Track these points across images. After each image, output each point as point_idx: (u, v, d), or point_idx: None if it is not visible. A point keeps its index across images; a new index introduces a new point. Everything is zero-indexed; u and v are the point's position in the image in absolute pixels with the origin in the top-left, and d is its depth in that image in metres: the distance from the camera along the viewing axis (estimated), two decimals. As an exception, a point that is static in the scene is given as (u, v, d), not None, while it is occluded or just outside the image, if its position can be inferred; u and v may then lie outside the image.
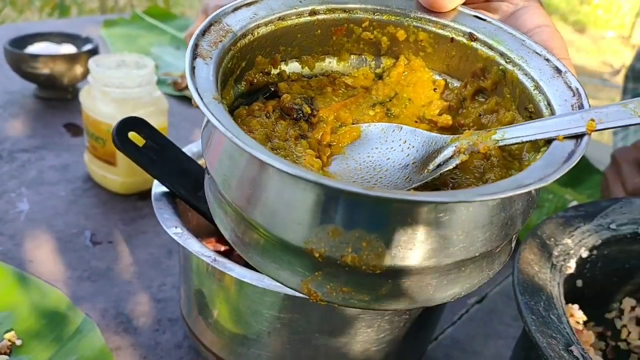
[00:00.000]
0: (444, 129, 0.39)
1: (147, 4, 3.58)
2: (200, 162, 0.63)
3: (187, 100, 1.19)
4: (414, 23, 0.40)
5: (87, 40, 1.15)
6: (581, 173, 1.05)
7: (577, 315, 0.52)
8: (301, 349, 0.53)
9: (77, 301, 0.67)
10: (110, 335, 0.64)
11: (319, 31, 0.40)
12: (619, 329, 0.62)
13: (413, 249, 0.28)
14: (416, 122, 0.39)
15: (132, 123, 0.58)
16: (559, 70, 0.35)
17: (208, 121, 0.35)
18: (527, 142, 0.32)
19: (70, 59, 1.08)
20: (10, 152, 0.94)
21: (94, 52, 1.11)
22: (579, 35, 5.06)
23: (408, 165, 0.35)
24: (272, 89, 0.39)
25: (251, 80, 0.38)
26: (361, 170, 0.35)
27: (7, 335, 0.59)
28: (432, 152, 0.34)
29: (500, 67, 0.37)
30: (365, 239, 0.28)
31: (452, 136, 0.34)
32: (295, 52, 0.40)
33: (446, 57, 0.40)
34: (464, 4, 0.39)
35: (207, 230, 0.63)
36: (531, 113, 0.35)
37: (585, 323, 0.57)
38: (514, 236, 0.34)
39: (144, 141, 0.58)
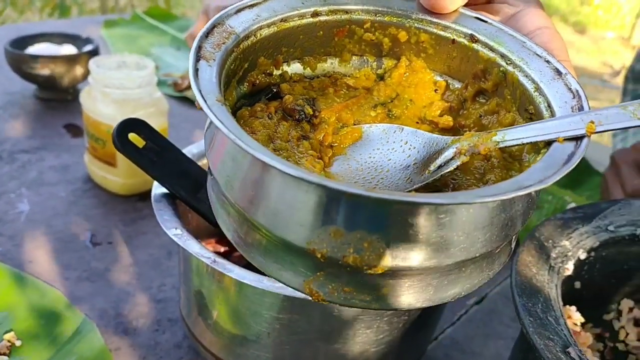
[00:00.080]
0: (444, 130, 0.39)
1: (148, 5, 3.58)
2: (201, 163, 0.63)
3: (188, 101, 1.20)
4: (416, 24, 0.40)
5: (88, 40, 1.15)
6: (581, 175, 1.05)
7: (574, 317, 0.52)
8: (300, 350, 0.53)
9: (77, 302, 0.67)
10: (109, 335, 0.64)
11: (321, 32, 0.40)
12: (617, 330, 0.62)
13: (414, 249, 0.28)
14: (417, 123, 0.40)
15: (133, 124, 0.58)
16: (559, 72, 0.35)
17: (211, 123, 0.35)
18: (527, 143, 0.32)
19: (71, 59, 1.08)
20: (11, 153, 0.94)
21: (94, 52, 1.11)
22: (579, 36, 5.06)
23: (409, 166, 0.35)
24: (274, 90, 0.39)
25: (253, 82, 0.38)
26: (362, 171, 0.35)
27: (7, 336, 0.60)
28: (433, 153, 0.34)
29: (501, 69, 0.37)
30: (366, 239, 0.28)
31: (453, 137, 0.35)
32: (298, 54, 0.40)
33: (447, 59, 0.41)
34: (465, 5, 0.40)
35: (206, 232, 0.64)
36: (531, 114, 0.35)
37: (583, 324, 0.58)
38: (514, 237, 0.34)
39: (144, 142, 0.58)
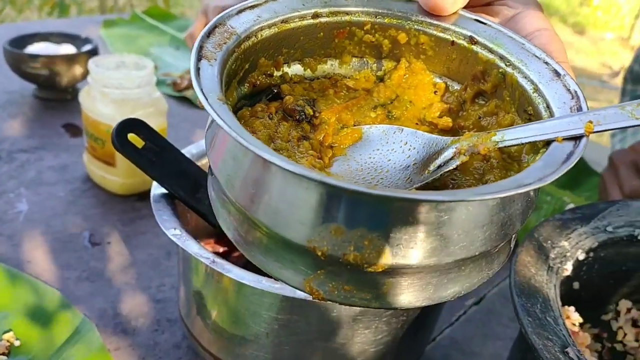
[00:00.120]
0: (444, 131, 0.39)
1: (147, 4, 3.58)
2: (200, 163, 0.63)
3: (187, 101, 1.20)
4: (415, 26, 0.40)
5: (87, 40, 1.15)
6: (579, 175, 1.05)
7: (573, 317, 0.53)
8: (299, 350, 0.53)
9: (76, 301, 0.67)
10: (108, 335, 0.64)
11: (321, 34, 0.40)
12: (615, 330, 0.62)
13: (414, 247, 0.29)
14: (417, 124, 0.40)
15: (132, 124, 0.58)
16: (557, 74, 0.35)
17: (212, 122, 0.35)
18: (526, 143, 0.32)
19: (70, 59, 1.08)
20: (9, 153, 0.95)
21: (93, 52, 1.11)
22: (579, 36, 5.06)
23: (409, 166, 0.35)
24: (275, 91, 0.39)
25: (254, 82, 0.38)
26: (362, 171, 0.36)
27: (6, 336, 0.60)
28: (433, 154, 0.35)
29: (500, 70, 0.38)
30: (367, 237, 0.28)
31: (452, 138, 0.35)
32: (298, 55, 0.41)
33: (447, 60, 0.41)
34: (464, 7, 0.40)
35: (205, 232, 0.64)
36: (530, 115, 0.36)
37: (581, 325, 0.58)
38: (513, 236, 0.34)
39: (143, 143, 0.58)
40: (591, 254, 0.56)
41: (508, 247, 0.35)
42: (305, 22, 0.39)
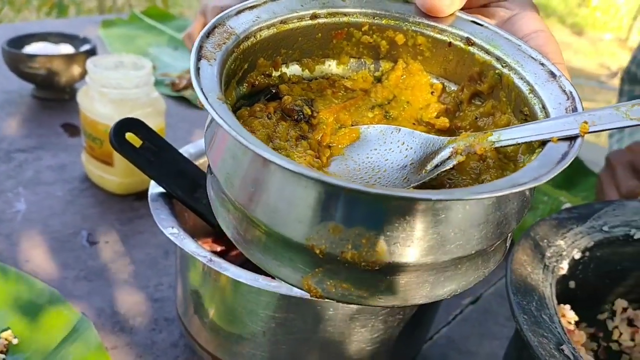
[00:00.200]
0: (441, 132, 0.39)
1: (146, 4, 3.58)
2: (198, 163, 0.63)
3: (185, 101, 1.20)
4: (413, 27, 0.40)
5: (85, 40, 1.15)
6: (576, 175, 1.05)
7: (568, 315, 0.53)
8: (296, 348, 0.53)
9: (74, 300, 0.67)
10: (106, 334, 0.64)
11: (320, 35, 0.40)
12: (611, 330, 0.63)
13: (411, 246, 0.29)
14: (414, 124, 0.40)
15: (130, 124, 0.58)
16: (553, 75, 0.36)
17: (212, 121, 0.35)
18: (522, 143, 0.33)
19: (68, 59, 1.08)
20: (7, 152, 0.95)
21: (91, 52, 1.11)
22: (577, 37, 5.07)
23: (406, 166, 0.35)
24: (273, 91, 0.39)
25: (253, 82, 0.38)
26: (360, 170, 0.36)
27: (4, 334, 0.60)
28: (430, 154, 0.35)
29: (497, 71, 0.38)
30: (365, 236, 0.29)
31: (449, 138, 0.35)
32: (296, 55, 0.41)
33: (444, 61, 0.41)
34: (461, 9, 0.40)
35: (203, 231, 0.64)
36: (526, 116, 0.36)
37: (577, 324, 0.58)
38: (508, 235, 0.34)
39: (141, 142, 0.59)
40: (587, 253, 0.56)
41: (504, 246, 0.36)
42: (303, 23, 0.39)
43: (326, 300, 0.32)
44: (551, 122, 0.32)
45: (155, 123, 0.82)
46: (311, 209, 0.29)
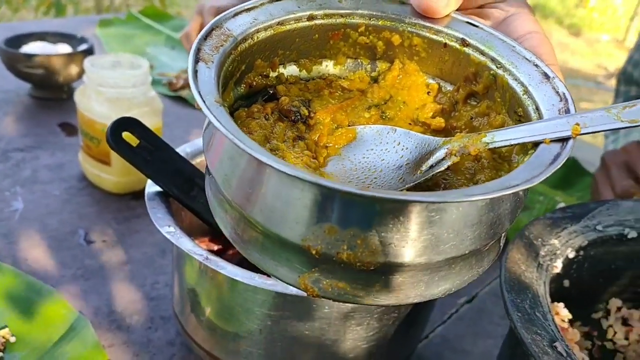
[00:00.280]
0: (437, 132, 0.39)
1: (143, 4, 3.58)
2: (194, 162, 0.63)
3: (182, 100, 1.20)
4: (409, 28, 0.40)
5: (83, 40, 1.15)
6: (572, 175, 1.06)
7: (562, 313, 0.53)
8: (291, 346, 0.54)
9: (71, 299, 0.68)
10: (103, 332, 0.64)
11: (317, 35, 0.41)
12: (605, 329, 0.63)
13: (405, 246, 0.29)
14: (410, 124, 0.40)
15: (126, 123, 0.59)
16: (547, 76, 0.36)
17: (209, 123, 0.36)
18: (515, 144, 0.33)
19: (66, 58, 1.08)
20: (5, 151, 0.95)
21: (89, 52, 1.11)
22: (575, 38, 5.08)
23: (402, 166, 0.36)
24: (271, 92, 0.40)
25: (250, 83, 0.39)
26: (356, 170, 0.36)
27: (1, 332, 0.60)
28: (425, 154, 0.35)
29: (491, 72, 0.38)
30: (360, 237, 0.29)
31: (444, 138, 0.35)
32: (294, 56, 0.41)
33: (439, 62, 0.41)
34: (457, 10, 0.40)
35: (200, 230, 0.64)
36: (520, 116, 0.36)
37: (572, 322, 0.58)
38: (502, 235, 0.35)
39: (138, 141, 0.59)
40: (581, 252, 0.57)
41: (498, 246, 0.36)
42: (300, 24, 0.40)
43: (323, 299, 0.32)
44: (544, 123, 0.33)
45: (152, 122, 0.83)
46: (307, 211, 0.29)
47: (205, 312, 0.56)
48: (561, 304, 0.54)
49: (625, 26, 5.27)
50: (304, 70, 0.42)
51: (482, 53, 0.39)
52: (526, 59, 0.37)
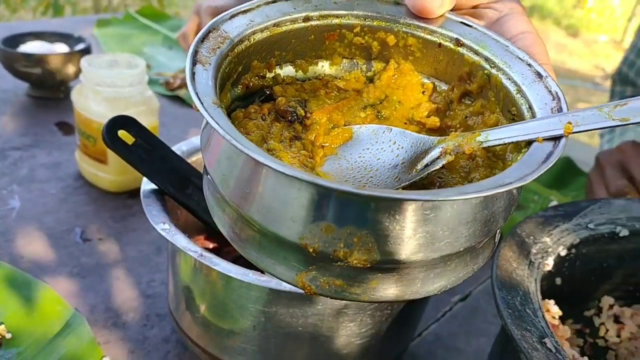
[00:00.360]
0: (432, 131, 0.40)
1: (141, 4, 3.58)
2: (190, 160, 0.64)
3: (179, 100, 1.20)
4: (404, 29, 0.41)
5: (80, 39, 1.16)
6: (566, 175, 1.06)
7: (553, 310, 0.54)
8: (285, 342, 0.54)
9: (67, 296, 0.68)
10: (99, 329, 0.65)
11: (312, 36, 0.41)
12: (597, 326, 0.63)
13: (401, 244, 0.30)
14: (405, 123, 0.40)
15: (122, 121, 0.59)
16: (540, 75, 0.37)
17: (207, 123, 0.36)
18: (509, 143, 0.33)
19: (63, 58, 1.08)
20: (2, 150, 0.95)
21: (86, 51, 1.11)
22: (572, 39, 5.08)
23: (397, 165, 0.36)
24: (268, 92, 0.40)
25: (247, 84, 0.39)
26: (353, 170, 0.36)
27: (-3, 329, 0.60)
28: (420, 153, 0.35)
29: (485, 72, 0.39)
30: (356, 235, 0.29)
31: (439, 138, 0.36)
32: (290, 57, 0.41)
33: (434, 62, 0.42)
34: (451, 10, 0.41)
35: (195, 228, 0.64)
36: (514, 115, 0.36)
37: (564, 320, 0.59)
38: (496, 232, 0.35)
39: (134, 139, 0.59)
40: (573, 250, 0.57)
41: (492, 243, 0.36)
42: (296, 26, 0.40)
43: (319, 296, 0.33)
44: (537, 122, 0.33)
45: (148, 121, 0.83)
46: (304, 210, 0.30)
47: (200, 309, 0.56)
48: (552, 301, 0.54)
49: (623, 27, 5.28)
50: (300, 71, 0.42)
51: (476, 53, 0.39)
52: (519, 58, 0.38)
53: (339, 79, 0.43)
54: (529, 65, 0.37)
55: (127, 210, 0.85)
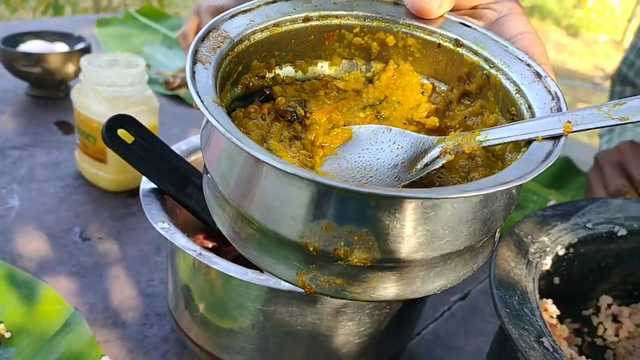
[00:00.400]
0: (431, 131, 0.40)
1: (141, 4, 3.58)
2: (189, 159, 0.64)
3: (179, 99, 1.21)
4: (403, 29, 0.41)
5: (80, 39, 1.16)
6: (565, 175, 1.06)
7: (550, 309, 0.54)
8: (284, 341, 0.54)
9: (66, 295, 0.68)
10: (98, 328, 0.65)
11: (312, 37, 0.41)
12: (596, 325, 0.63)
13: (402, 242, 0.30)
14: (405, 124, 0.41)
15: (122, 120, 0.59)
16: (539, 75, 0.37)
17: (207, 122, 0.36)
18: (508, 142, 0.34)
19: (63, 57, 1.09)
20: (2, 149, 0.95)
21: (86, 50, 1.12)
22: (572, 39, 5.08)
23: (397, 165, 0.36)
24: (267, 92, 0.40)
25: (247, 84, 0.39)
26: (352, 169, 0.37)
27: (-4, 328, 0.61)
28: (420, 153, 0.36)
29: (485, 72, 0.39)
30: (356, 233, 0.29)
31: (438, 137, 0.36)
32: (289, 57, 0.42)
33: (433, 62, 0.42)
34: (450, 11, 0.41)
35: (194, 227, 0.65)
36: (513, 115, 0.37)
37: (562, 319, 0.59)
38: (496, 232, 0.35)
39: (133, 138, 0.59)
40: (571, 250, 0.57)
41: (492, 242, 0.36)
42: (296, 26, 0.40)
43: (319, 295, 0.33)
44: (536, 121, 0.33)
45: (148, 121, 0.83)
46: (304, 208, 0.30)
47: (199, 308, 0.56)
48: (549, 301, 0.54)
49: (623, 27, 5.28)
50: (300, 71, 0.42)
51: (476, 53, 0.39)
52: (519, 58, 0.38)
53: (339, 79, 0.43)
54: (528, 65, 0.37)
55: (127, 210, 0.85)
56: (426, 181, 0.36)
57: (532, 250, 0.53)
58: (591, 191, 0.87)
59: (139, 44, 1.44)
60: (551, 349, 0.42)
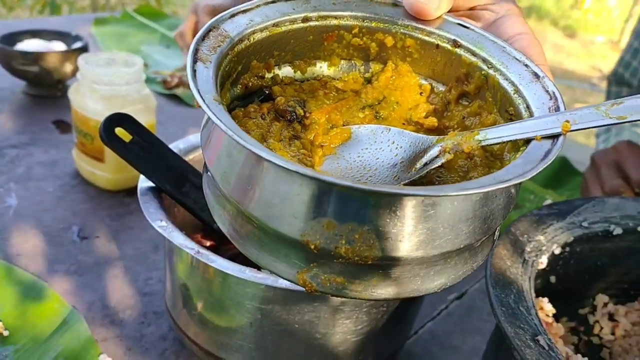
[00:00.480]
0: (429, 131, 0.40)
1: (139, 3, 3.58)
2: (187, 158, 0.64)
3: (176, 98, 1.21)
4: (402, 30, 0.41)
5: (77, 38, 1.16)
6: (562, 174, 1.07)
7: (546, 308, 0.54)
8: (282, 339, 0.54)
9: (64, 294, 0.68)
10: (96, 327, 0.65)
11: (311, 37, 0.41)
12: (592, 324, 0.64)
13: (402, 240, 0.30)
14: (403, 124, 0.41)
15: (119, 119, 0.59)
16: (537, 76, 0.37)
17: (207, 120, 0.36)
18: (507, 141, 0.34)
19: (60, 56, 1.08)
20: (-1, 148, 0.95)
21: (83, 49, 1.12)
22: (569, 39, 5.09)
23: (396, 164, 0.36)
24: (267, 92, 0.40)
25: (246, 84, 0.39)
26: (352, 169, 0.37)
27: (-5, 326, 0.61)
28: (419, 152, 0.36)
29: (483, 72, 0.39)
30: (357, 231, 0.30)
31: (437, 137, 0.36)
32: (289, 57, 0.42)
33: (432, 63, 0.42)
34: (448, 12, 0.41)
35: (192, 226, 0.65)
36: (512, 115, 0.37)
37: (558, 318, 0.59)
38: (495, 231, 0.35)
39: (131, 137, 0.59)
40: (567, 249, 0.57)
41: (491, 241, 0.37)
42: (295, 26, 0.40)
43: (320, 294, 0.33)
44: (534, 121, 0.33)
45: (146, 119, 0.83)
46: (305, 206, 0.30)
47: (197, 306, 0.57)
48: (545, 299, 0.55)
49: (620, 28, 5.29)
50: (299, 72, 0.43)
51: (474, 54, 0.40)
52: (516, 59, 0.38)
53: (337, 79, 0.43)
54: (526, 65, 0.38)
55: (125, 208, 0.85)
56: (425, 180, 0.36)
57: (528, 249, 0.54)
58: (587, 191, 0.87)
59: (136, 43, 1.44)
60: (547, 347, 0.42)
